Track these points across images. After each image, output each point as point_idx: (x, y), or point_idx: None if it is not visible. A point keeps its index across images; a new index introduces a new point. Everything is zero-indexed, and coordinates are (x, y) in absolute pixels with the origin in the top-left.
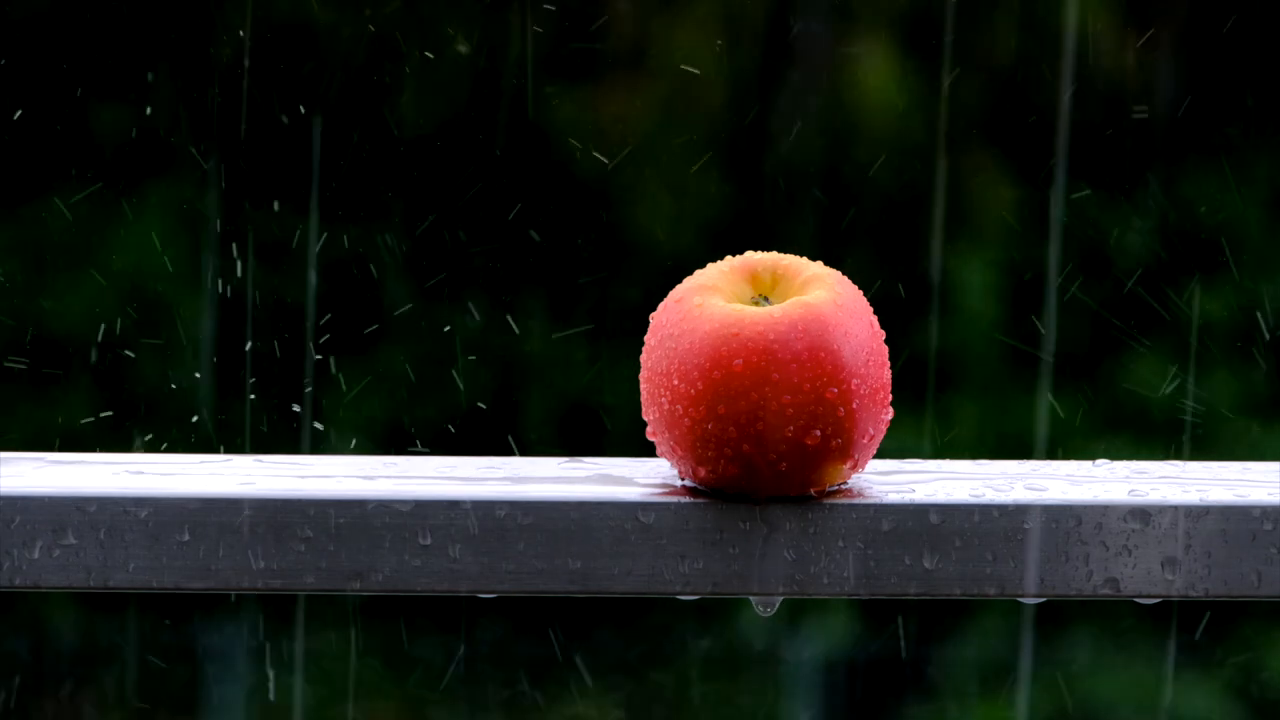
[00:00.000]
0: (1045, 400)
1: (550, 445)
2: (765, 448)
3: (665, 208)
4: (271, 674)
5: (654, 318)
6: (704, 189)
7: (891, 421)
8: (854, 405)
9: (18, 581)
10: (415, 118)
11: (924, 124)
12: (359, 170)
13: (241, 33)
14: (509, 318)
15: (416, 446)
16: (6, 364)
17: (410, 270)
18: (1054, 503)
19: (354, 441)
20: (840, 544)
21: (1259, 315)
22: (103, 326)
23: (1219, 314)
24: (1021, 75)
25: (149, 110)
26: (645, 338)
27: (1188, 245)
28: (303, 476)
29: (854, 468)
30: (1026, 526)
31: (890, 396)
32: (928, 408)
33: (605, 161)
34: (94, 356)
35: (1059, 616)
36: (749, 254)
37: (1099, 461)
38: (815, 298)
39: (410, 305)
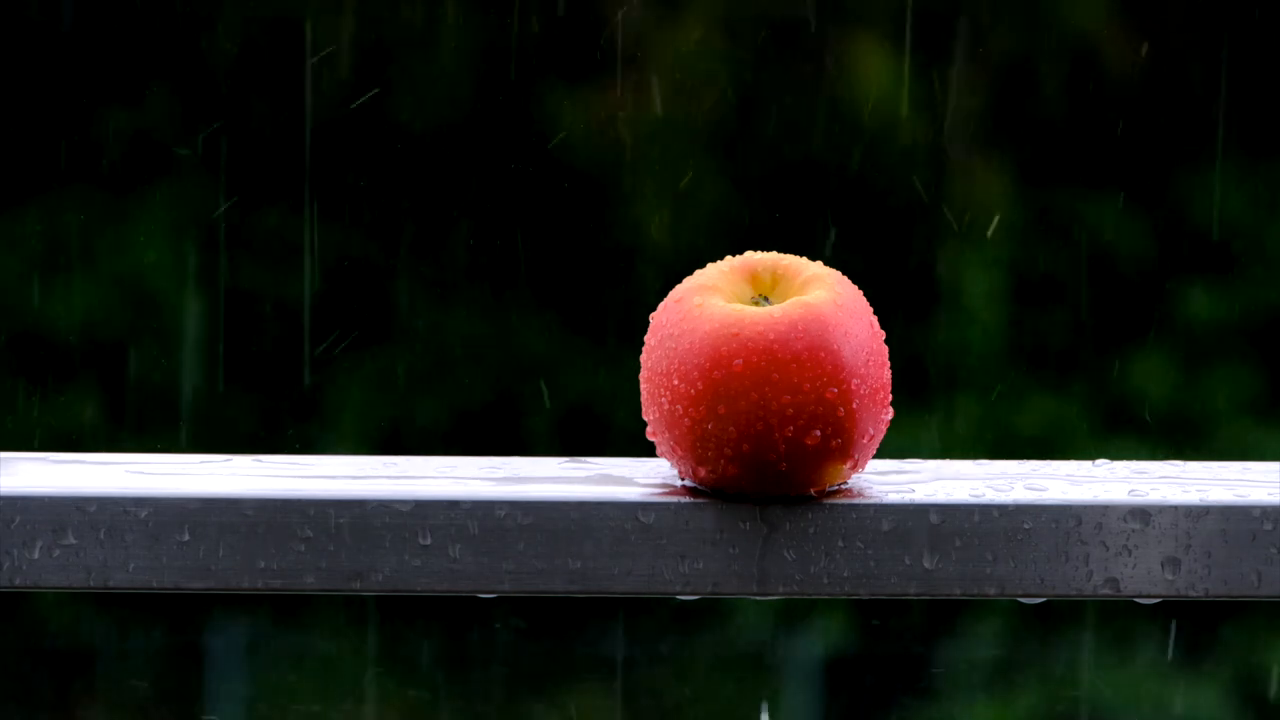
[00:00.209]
0: (1045, 400)
1: (550, 445)
2: (765, 448)
3: (665, 208)
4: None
5: (654, 318)
6: (704, 189)
7: (891, 421)
8: (854, 405)
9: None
10: (415, 118)
11: (924, 124)
12: (359, 170)
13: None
14: (509, 318)
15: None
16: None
17: (410, 270)
18: (1054, 503)
19: (354, 441)
20: (840, 544)
21: (1259, 315)
22: (102, 327)
23: (1219, 314)
24: (1022, 75)
25: (149, 111)
26: (645, 338)
27: (1188, 245)
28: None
29: (854, 468)
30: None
31: (890, 396)
32: (928, 408)
33: (605, 162)
34: (93, 356)
35: (1059, 616)
36: (749, 254)
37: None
38: (815, 298)
39: (410, 305)
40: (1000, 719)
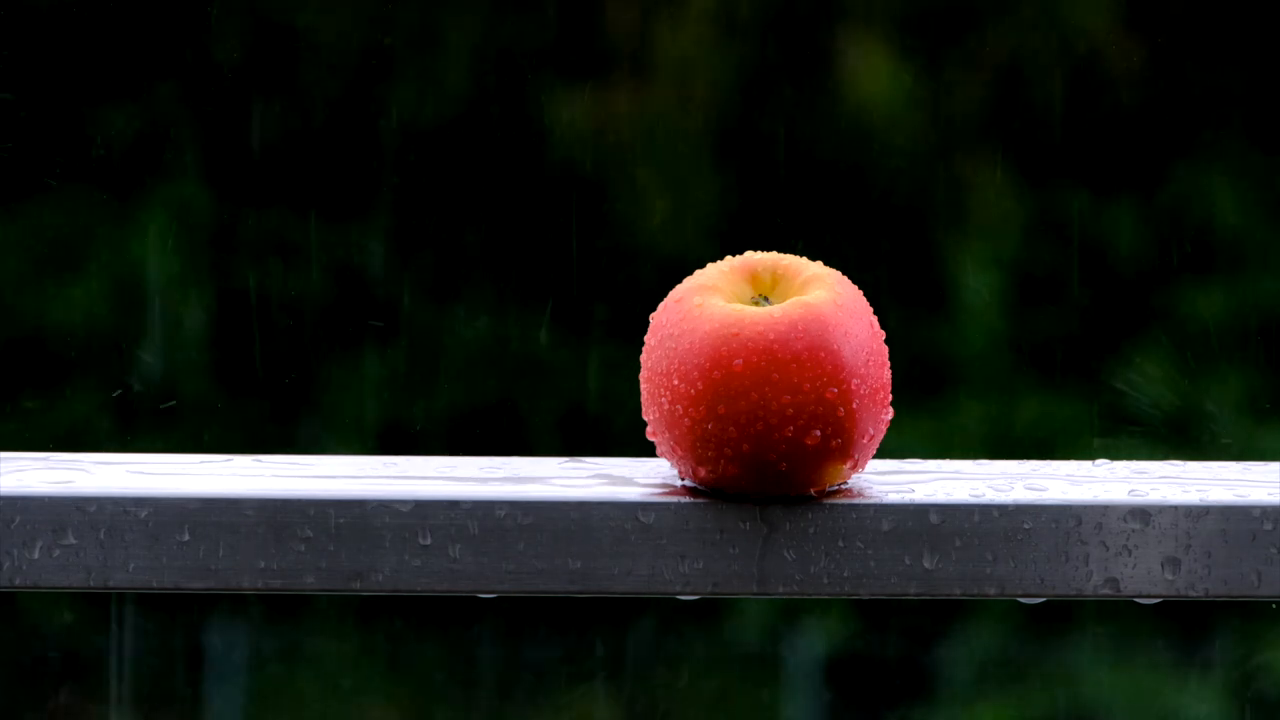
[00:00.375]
0: (1046, 400)
1: (550, 445)
2: (765, 448)
3: (665, 208)
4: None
5: (654, 318)
6: (704, 189)
7: (892, 421)
8: (854, 405)
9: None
10: (415, 117)
11: (924, 123)
12: (358, 170)
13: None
14: (508, 317)
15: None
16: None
17: (410, 270)
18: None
19: (354, 442)
20: (840, 544)
21: (1259, 315)
22: (102, 327)
23: (1219, 314)
24: (1022, 74)
25: (149, 110)
26: (645, 338)
27: (1188, 245)
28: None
29: (854, 468)
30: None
31: (890, 396)
32: (928, 408)
33: (605, 161)
34: (93, 356)
35: (1059, 616)
36: (749, 254)
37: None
38: (815, 298)
39: (410, 305)
40: (1000, 719)
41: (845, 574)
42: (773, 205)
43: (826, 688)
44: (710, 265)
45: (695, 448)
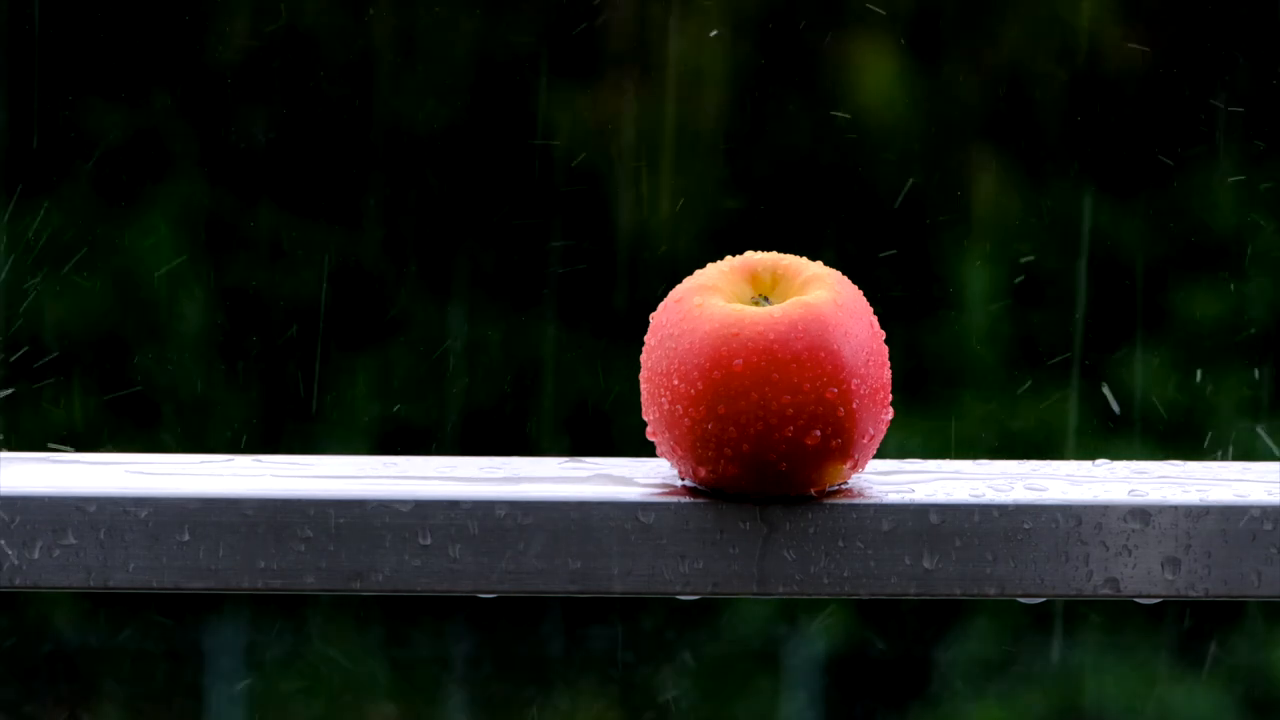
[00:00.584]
0: (1046, 400)
1: (551, 445)
2: (765, 448)
3: (665, 208)
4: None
5: (654, 318)
6: (704, 189)
7: (891, 421)
8: (854, 405)
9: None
10: (415, 117)
11: (925, 123)
12: (358, 170)
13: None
14: (508, 318)
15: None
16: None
17: (410, 270)
18: (1054, 503)
19: (354, 442)
20: (840, 544)
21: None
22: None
23: (1220, 313)
24: (1023, 75)
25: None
26: (645, 338)
27: (1189, 244)
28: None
29: (854, 468)
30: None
31: (890, 396)
32: (928, 408)
33: (605, 161)
34: (94, 356)
35: (1059, 616)
36: (749, 254)
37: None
38: (815, 298)
39: (410, 305)
40: (999, 719)
41: (845, 574)
42: (773, 205)
43: (826, 688)
44: (710, 265)
45: (695, 448)
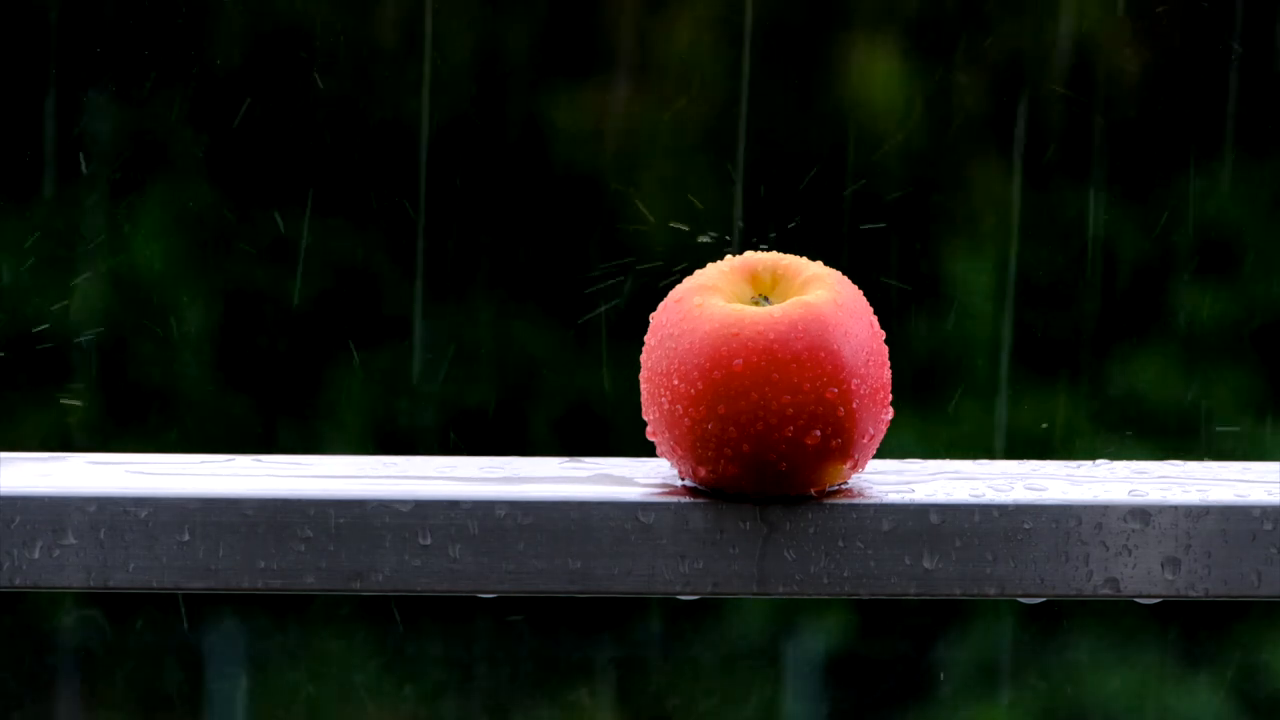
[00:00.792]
0: (1046, 400)
1: (550, 445)
2: (765, 448)
3: (665, 208)
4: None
5: (654, 318)
6: (704, 189)
7: (892, 421)
8: (854, 405)
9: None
10: (416, 117)
11: (925, 123)
12: (358, 169)
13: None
14: (508, 317)
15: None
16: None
17: (410, 270)
18: (1054, 503)
19: (354, 442)
20: (840, 544)
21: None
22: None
23: (1219, 313)
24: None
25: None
26: (645, 338)
27: (1189, 245)
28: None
29: (854, 468)
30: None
31: (890, 396)
32: (928, 408)
33: (605, 161)
34: (94, 356)
35: (1059, 616)
36: (749, 254)
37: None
38: (815, 298)
39: (410, 305)
40: (999, 719)
41: (845, 574)
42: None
43: (826, 688)
44: (710, 265)
45: (695, 448)
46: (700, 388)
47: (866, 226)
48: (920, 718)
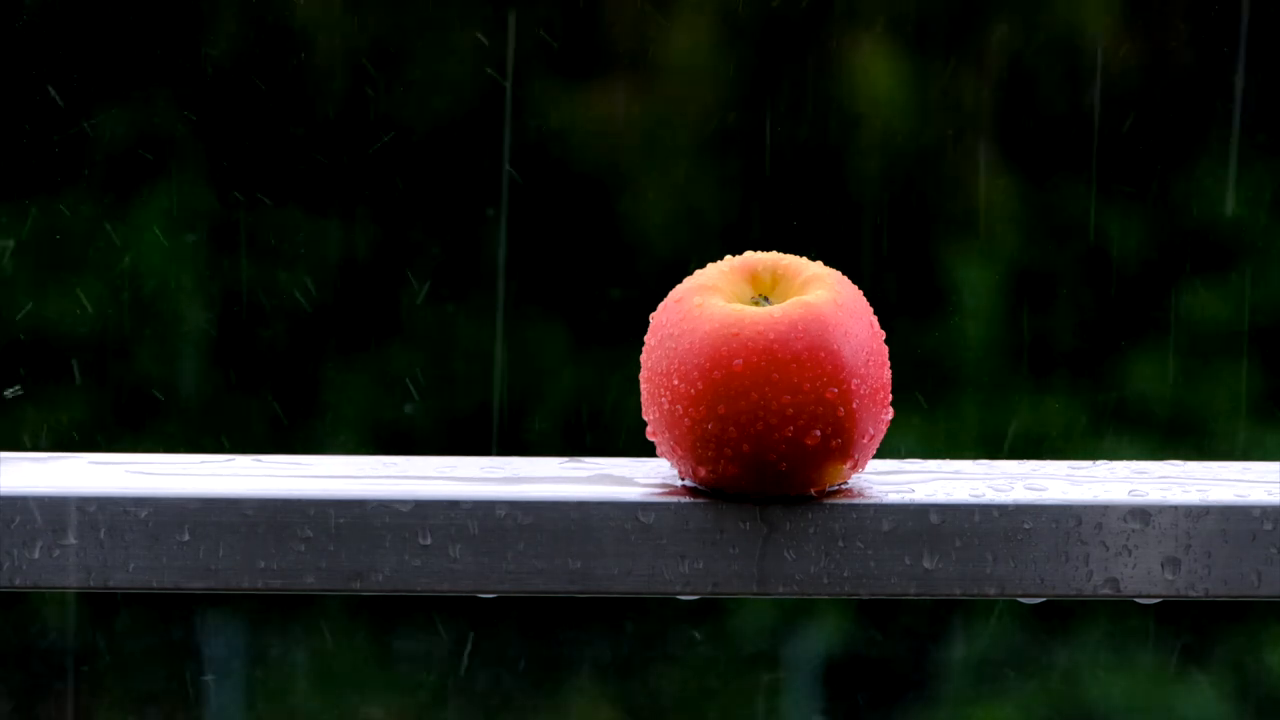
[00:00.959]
0: (1046, 400)
1: (550, 445)
2: (765, 448)
3: (665, 207)
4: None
5: (654, 318)
6: (704, 188)
7: (891, 421)
8: (854, 405)
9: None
10: (416, 117)
11: (924, 123)
12: (358, 170)
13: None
14: (508, 317)
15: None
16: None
17: (410, 270)
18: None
19: (354, 442)
20: (840, 544)
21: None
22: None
23: (1219, 313)
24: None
25: (149, 110)
26: (645, 338)
27: (1188, 244)
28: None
29: (854, 468)
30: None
31: (890, 396)
32: (928, 408)
33: (605, 161)
34: (93, 356)
35: (1059, 616)
36: (749, 254)
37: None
38: (815, 298)
39: (410, 305)
40: (999, 719)
41: (845, 574)
42: (773, 205)
43: (826, 688)
44: (710, 265)
45: (695, 448)
46: (700, 388)
47: (866, 226)
48: (920, 718)
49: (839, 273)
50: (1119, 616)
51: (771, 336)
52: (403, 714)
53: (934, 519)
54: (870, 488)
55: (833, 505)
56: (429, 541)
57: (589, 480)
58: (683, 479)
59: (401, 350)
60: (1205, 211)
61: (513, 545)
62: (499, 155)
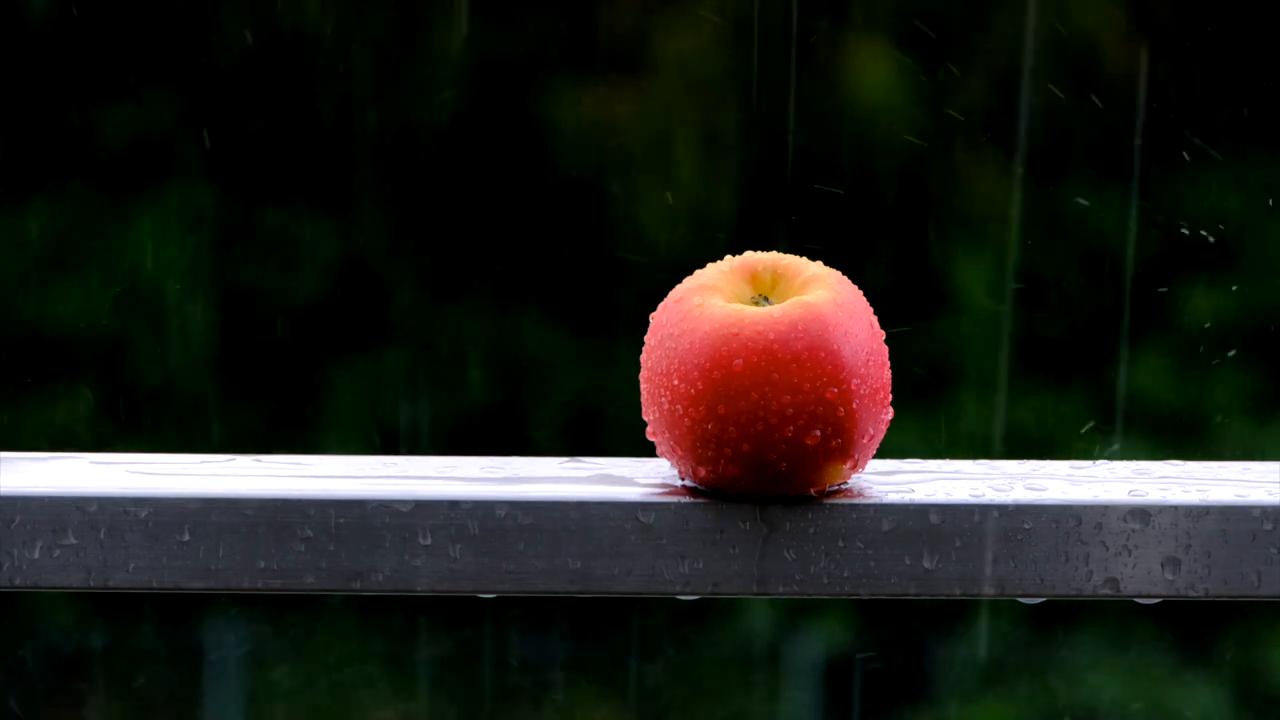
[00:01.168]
0: (1046, 400)
1: (551, 445)
2: (765, 448)
3: (665, 208)
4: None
5: (654, 318)
6: (704, 189)
7: (891, 421)
8: (854, 405)
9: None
10: (416, 117)
11: (924, 123)
12: (358, 170)
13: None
14: (509, 318)
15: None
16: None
17: (410, 270)
18: (1054, 503)
19: (354, 442)
20: (840, 544)
21: (1259, 315)
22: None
23: (1219, 313)
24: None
25: (150, 111)
26: (645, 338)
27: (1188, 244)
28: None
29: (854, 468)
30: (1026, 526)
31: (890, 396)
32: (928, 408)
33: (605, 161)
34: (93, 356)
35: (1059, 616)
36: (749, 254)
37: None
38: (815, 298)
39: (410, 305)
40: (1000, 719)
41: (845, 574)
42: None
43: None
44: (710, 265)
45: (695, 448)
46: (700, 388)
47: (866, 226)
48: (920, 718)
49: (839, 273)
50: (1119, 616)
51: (771, 336)
52: (402, 714)
53: (934, 519)
54: (870, 488)
55: (833, 505)
56: (429, 541)
57: (589, 480)
58: (683, 479)
59: (401, 350)
60: (1205, 212)
61: (513, 545)
62: (500, 155)
